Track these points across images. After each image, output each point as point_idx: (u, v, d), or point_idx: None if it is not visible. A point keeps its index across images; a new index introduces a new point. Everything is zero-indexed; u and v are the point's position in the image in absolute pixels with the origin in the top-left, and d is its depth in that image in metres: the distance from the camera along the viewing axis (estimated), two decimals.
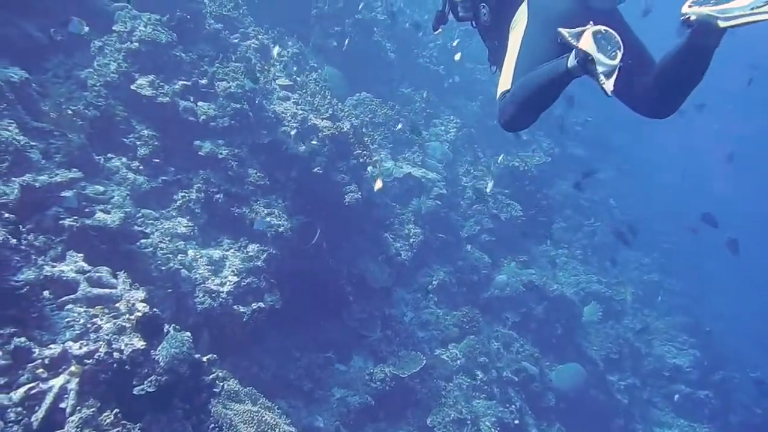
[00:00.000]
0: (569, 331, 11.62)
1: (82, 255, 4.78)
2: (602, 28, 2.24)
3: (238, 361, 6.69)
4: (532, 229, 12.16)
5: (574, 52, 2.27)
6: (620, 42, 2.20)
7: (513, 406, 9.38)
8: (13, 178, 4.88)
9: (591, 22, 2.30)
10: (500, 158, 11.85)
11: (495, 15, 2.93)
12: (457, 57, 10.68)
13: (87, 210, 5.48)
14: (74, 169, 5.77)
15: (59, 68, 6.97)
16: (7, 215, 4.21)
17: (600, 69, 2.17)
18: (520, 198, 12.07)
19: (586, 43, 2.21)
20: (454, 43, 12.42)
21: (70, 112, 6.28)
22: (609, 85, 2.16)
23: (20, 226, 4.38)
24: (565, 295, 11.63)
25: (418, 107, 12.58)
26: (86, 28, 5.91)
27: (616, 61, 2.17)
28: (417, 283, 10.24)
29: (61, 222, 4.99)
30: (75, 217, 5.10)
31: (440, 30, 3.76)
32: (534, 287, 11.15)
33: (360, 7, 12.04)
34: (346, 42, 11.43)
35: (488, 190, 10.33)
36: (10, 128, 5.33)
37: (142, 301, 4.63)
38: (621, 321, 13.73)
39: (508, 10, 2.80)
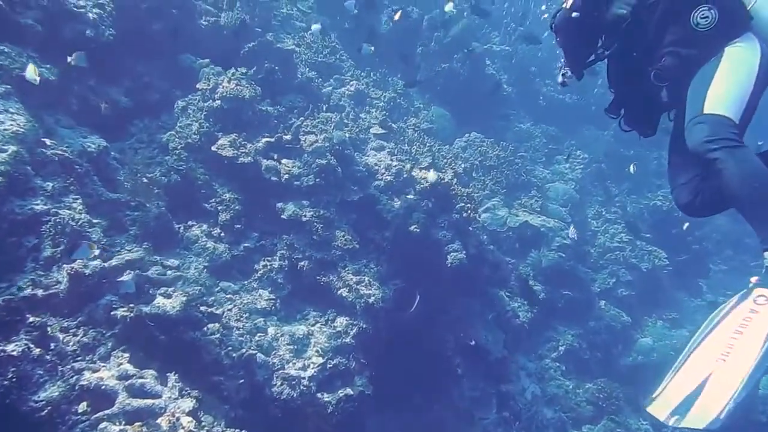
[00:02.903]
0: (742, 406, 9.37)
1: (128, 355, 4.15)
2: None
3: None
4: (682, 280, 10.15)
5: None
6: None
7: None
8: (65, 265, 4.41)
9: None
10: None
11: (722, 25, 2.49)
12: None
13: (150, 292, 4.93)
14: (140, 247, 5.30)
15: (143, 132, 6.71)
16: (32, 319, 3.66)
17: None
18: (664, 243, 10.14)
19: None
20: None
21: (145, 180, 5.89)
22: None
23: (49, 329, 3.82)
24: None
25: (538, 143, 11.19)
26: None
27: None
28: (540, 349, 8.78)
29: (113, 313, 4.42)
30: (130, 306, 4.52)
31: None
32: None
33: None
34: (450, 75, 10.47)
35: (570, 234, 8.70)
36: (74, 205, 4.95)
37: (188, 413, 3.86)
38: None
39: (738, 25, 2.50)
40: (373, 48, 7.21)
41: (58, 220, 4.59)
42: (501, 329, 8.07)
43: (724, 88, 2.40)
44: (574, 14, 2.77)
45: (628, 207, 10.63)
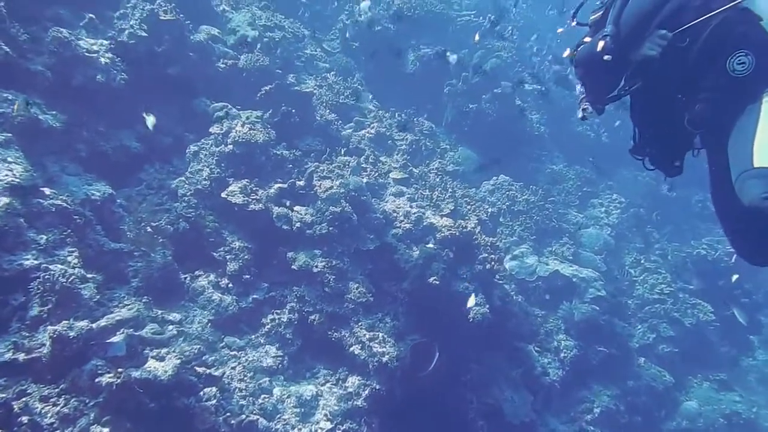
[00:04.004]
0: None
1: (108, 429, 3.78)
2: None
3: None
4: (730, 336, 9.35)
5: None
6: None
7: None
8: (49, 326, 4.13)
9: None
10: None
11: (759, 72, 2.37)
12: None
13: (143, 353, 4.61)
14: (139, 301, 5.01)
15: (153, 178, 6.52)
16: None
17: None
18: (709, 296, 9.39)
19: None
20: None
21: (149, 229, 5.64)
22: None
23: (15, 405, 3.50)
24: None
25: (571, 186, 10.64)
26: None
27: None
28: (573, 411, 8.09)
29: (98, 380, 4.10)
30: (118, 371, 4.19)
31: None
32: (740, 419, 8.31)
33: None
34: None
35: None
36: (68, 259, 4.71)
37: None
38: None
39: None
40: (371, 96, 7.02)
41: (47, 276, 4.34)
42: (528, 388, 7.47)
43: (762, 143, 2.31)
44: (606, 57, 2.62)
45: (669, 255, 9.93)
